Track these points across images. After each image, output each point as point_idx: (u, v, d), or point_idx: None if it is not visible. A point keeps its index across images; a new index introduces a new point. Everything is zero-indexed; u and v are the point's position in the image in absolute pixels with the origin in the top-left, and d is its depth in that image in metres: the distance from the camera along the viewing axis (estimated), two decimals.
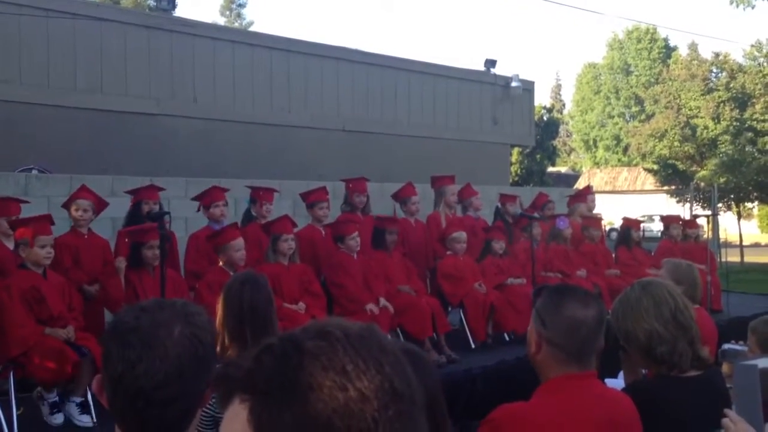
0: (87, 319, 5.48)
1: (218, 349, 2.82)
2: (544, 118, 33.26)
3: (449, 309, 7.47)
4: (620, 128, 46.94)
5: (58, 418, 5.03)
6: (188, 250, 6.63)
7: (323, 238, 7.20)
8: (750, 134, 22.35)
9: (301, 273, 6.35)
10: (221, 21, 40.55)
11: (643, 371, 2.51)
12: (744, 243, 20.75)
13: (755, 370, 1.68)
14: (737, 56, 26.46)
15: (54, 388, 5.06)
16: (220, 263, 5.79)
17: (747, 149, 22.21)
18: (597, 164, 49.44)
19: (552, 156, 34.58)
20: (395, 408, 0.80)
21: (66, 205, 6.18)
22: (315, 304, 6.30)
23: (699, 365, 2.33)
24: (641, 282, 2.48)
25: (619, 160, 48.26)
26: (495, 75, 18.04)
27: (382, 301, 6.61)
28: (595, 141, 51.47)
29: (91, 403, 5.08)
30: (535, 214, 8.30)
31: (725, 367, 3.03)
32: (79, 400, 5.06)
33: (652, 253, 9.68)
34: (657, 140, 23.45)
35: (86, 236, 6.14)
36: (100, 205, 6.29)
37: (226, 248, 5.74)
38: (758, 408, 1.67)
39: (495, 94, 17.93)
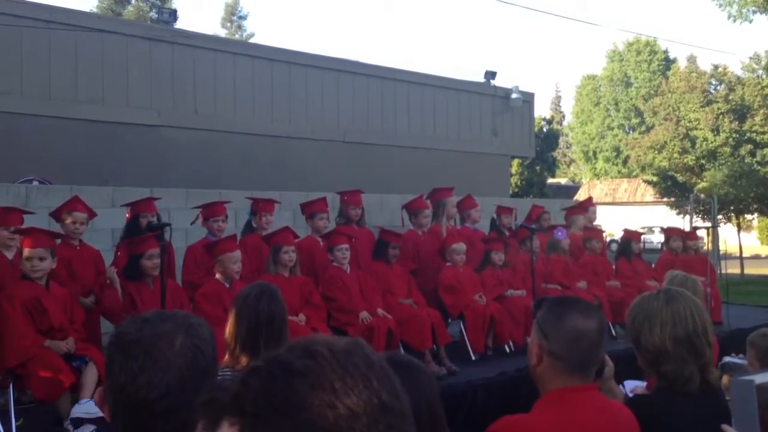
0: (85, 331, 5.47)
1: (228, 358, 2.82)
2: (544, 130, 33.36)
3: (449, 321, 7.46)
4: (620, 140, 47.03)
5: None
6: (186, 262, 6.65)
7: (322, 248, 7.21)
8: (750, 146, 22.40)
9: (301, 284, 6.35)
10: (222, 33, 40.69)
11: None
12: (744, 255, 20.74)
13: (752, 386, 1.68)
14: (736, 68, 26.53)
15: (50, 403, 5.00)
16: (217, 275, 5.80)
17: (746, 161, 22.26)
18: (597, 176, 49.53)
19: (552, 167, 34.68)
20: (385, 422, 0.80)
21: (57, 216, 6.14)
22: (316, 315, 6.30)
23: (705, 387, 2.26)
24: (669, 292, 2.34)
25: (618, 171, 48.36)
26: (495, 86, 18.10)
27: (380, 311, 6.60)
28: (594, 152, 51.59)
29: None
30: (533, 226, 8.32)
31: (725, 380, 3.03)
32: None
33: (653, 265, 9.68)
34: (656, 152, 23.50)
35: (78, 247, 6.13)
36: (91, 216, 6.30)
37: (222, 260, 5.75)
38: (755, 423, 1.67)
39: (495, 105, 17.99)
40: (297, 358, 0.83)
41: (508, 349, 7.49)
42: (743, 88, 22.78)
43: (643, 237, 10.65)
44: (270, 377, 0.82)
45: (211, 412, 0.85)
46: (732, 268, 16.60)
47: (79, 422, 4.88)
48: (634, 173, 37.64)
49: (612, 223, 25.98)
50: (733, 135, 22.39)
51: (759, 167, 21.70)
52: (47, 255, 5.20)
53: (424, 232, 7.93)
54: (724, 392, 2.52)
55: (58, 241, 5.86)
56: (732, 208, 21.18)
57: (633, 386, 3.31)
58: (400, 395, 0.85)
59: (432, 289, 7.50)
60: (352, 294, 6.61)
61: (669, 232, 10.10)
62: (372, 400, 0.80)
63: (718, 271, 10.83)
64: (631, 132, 46.74)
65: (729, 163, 21.79)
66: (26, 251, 5.11)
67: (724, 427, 1.80)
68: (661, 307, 2.26)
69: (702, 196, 20.62)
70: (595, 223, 9.93)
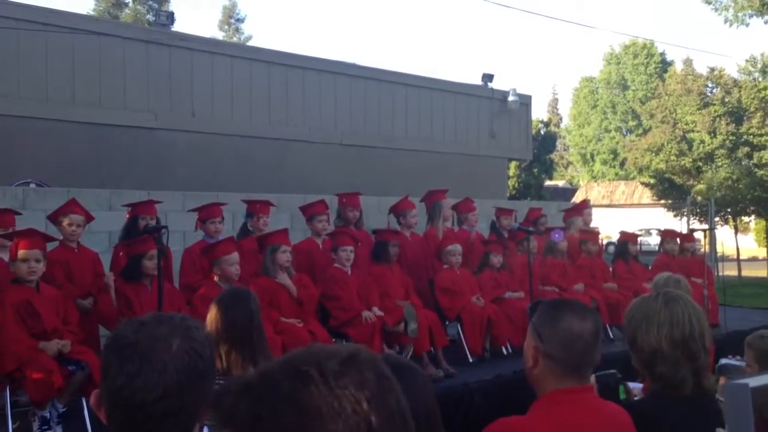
0: (82, 332, 5.47)
1: None
2: (541, 132, 33.36)
3: (447, 323, 7.47)
4: (617, 142, 47.11)
5: None
6: (183, 264, 6.66)
7: (321, 250, 7.23)
8: (746, 148, 22.44)
9: (296, 284, 6.36)
10: (220, 35, 40.71)
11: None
12: (741, 257, 20.77)
13: (746, 389, 1.68)
14: (732, 71, 26.56)
15: (45, 405, 5.01)
16: (215, 277, 5.80)
17: (743, 163, 22.30)
18: (594, 178, 49.56)
19: (549, 170, 34.65)
20: None
21: (54, 219, 6.15)
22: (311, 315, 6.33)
23: (698, 391, 2.26)
24: (667, 294, 2.33)
25: (616, 174, 48.40)
26: (492, 89, 18.11)
27: (375, 310, 6.61)
28: (592, 155, 51.65)
29: (88, 416, 5.05)
30: (530, 228, 8.33)
31: (722, 382, 3.03)
32: (61, 409, 5.03)
33: (650, 267, 9.70)
34: (654, 154, 23.53)
35: (77, 250, 6.13)
36: (89, 219, 6.31)
37: (220, 262, 5.75)
38: (750, 427, 1.67)
39: (492, 108, 18.00)
40: (285, 379, 0.84)
41: (505, 351, 7.50)
42: (740, 91, 22.82)
43: (640, 239, 10.68)
44: (258, 399, 0.84)
45: (216, 416, 0.87)
46: (729, 270, 16.61)
47: (45, 421, 4.93)
48: (632, 176, 37.66)
49: (609, 225, 26.03)
50: (730, 137, 22.43)
51: (756, 169, 21.74)
52: (41, 257, 5.22)
53: (412, 233, 7.93)
54: (721, 394, 2.52)
55: (56, 243, 5.87)
56: (729, 210, 21.21)
57: (630, 388, 3.32)
58: (394, 414, 0.84)
59: (421, 291, 7.51)
60: (352, 294, 6.63)
61: (665, 235, 10.13)
62: (360, 425, 0.80)
63: (715, 274, 10.83)
64: (628, 134, 46.79)
65: (725, 165, 21.82)
66: (23, 253, 5.09)
67: (719, 431, 1.81)
68: (659, 308, 2.26)
69: (699, 198, 20.65)
70: (593, 225, 9.95)
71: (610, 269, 9.45)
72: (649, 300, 2.32)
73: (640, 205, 39.09)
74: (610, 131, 50.71)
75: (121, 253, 6.13)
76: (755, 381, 1.70)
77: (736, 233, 21.86)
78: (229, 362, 2.91)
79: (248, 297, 3.09)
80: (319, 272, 7.13)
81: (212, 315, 3.04)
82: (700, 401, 2.27)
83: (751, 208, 21.65)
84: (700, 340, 2.24)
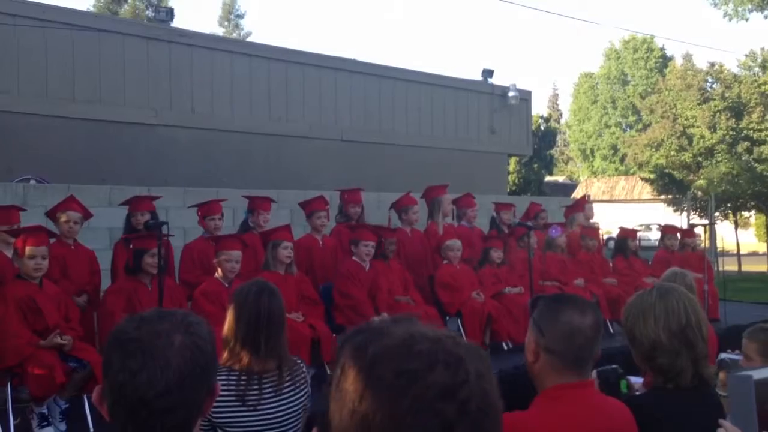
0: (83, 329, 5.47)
1: (227, 356, 2.83)
2: (542, 128, 33.36)
3: (447, 318, 7.47)
4: (617, 138, 47.04)
5: (48, 431, 5.00)
6: (183, 260, 6.67)
7: (321, 247, 7.23)
8: (746, 143, 22.43)
9: (298, 282, 6.36)
10: (219, 31, 40.64)
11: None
12: (741, 252, 20.78)
13: (750, 381, 1.68)
14: (732, 66, 26.55)
15: (44, 401, 5.01)
16: (216, 274, 5.81)
17: (743, 158, 22.29)
18: (594, 173, 49.53)
19: (549, 165, 34.68)
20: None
21: (52, 215, 6.14)
22: (313, 312, 6.31)
23: (699, 383, 2.27)
24: (661, 288, 2.37)
25: (616, 169, 48.36)
26: (492, 85, 18.10)
27: (384, 316, 6.60)
28: (592, 150, 51.57)
29: (89, 413, 5.06)
30: (530, 224, 8.33)
31: (722, 376, 3.03)
32: (63, 405, 5.04)
33: (650, 263, 9.70)
34: (654, 150, 23.54)
35: (73, 247, 6.13)
36: (87, 216, 6.30)
37: (220, 255, 5.76)
38: (753, 419, 1.67)
39: (492, 103, 17.99)
40: (346, 352, 0.91)
41: (505, 347, 7.51)
42: (740, 86, 22.80)
43: (640, 234, 10.67)
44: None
45: None
46: (729, 266, 16.62)
47: (44, 418, 4.93)
48: (632, 171, 37.65)
49: (609, 220, 26.02)
50: (730, 132, 22.42)
51: (756, 164, 21.74)
52: (47, 253, 5.24)
53: (413, 229, 7.93)
54: (721, 387, 2.53)
55: (52, 240, 5.88)
56: (729, 205, 21.22)
57: (632, 382, 3.32)
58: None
59: (421, 286, 7.51)
60: (366, 294, 6.63)
61: (665, 230, 10.14)
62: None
63: (716, 269, 10.85)
64: (628, 130, 46.76)
65: (725, 160, 21.82)
66: (30, 249, 5.10)
67: (721, 422, 1.81)
68: (654, 301, 2.29)
69: (699, 193, 20.66)
70: (593, 220, 9.95)
71: (610, 265, 9.46)
72: (644, 295, 2.35)
73: (640, 200, 39.06)
74: (610, 127, 50.62)
75: (131, 246, 6.14)
76: (759, 373, 1.70)
77: (736, 228, 21.88)
78: (240, 357, 2.86)
79: (262, 292, 2.98)
80: (319, 268, 7.13)
81: (229, 310, 2.97)
82: (701, 394, 2.27)
83: (751, 203, 21.66)
84: (698, 329, 2.27)
